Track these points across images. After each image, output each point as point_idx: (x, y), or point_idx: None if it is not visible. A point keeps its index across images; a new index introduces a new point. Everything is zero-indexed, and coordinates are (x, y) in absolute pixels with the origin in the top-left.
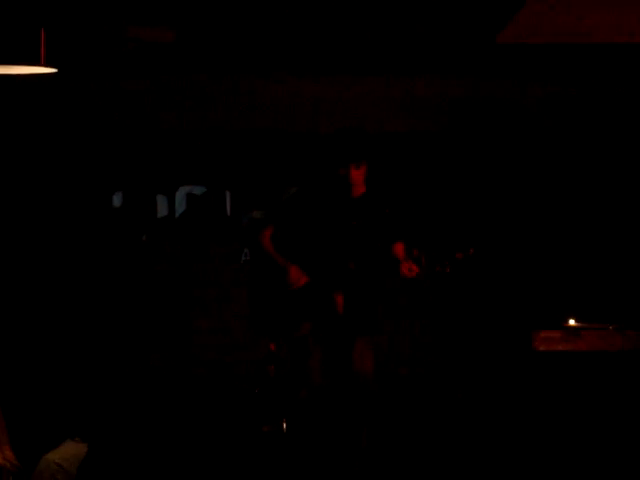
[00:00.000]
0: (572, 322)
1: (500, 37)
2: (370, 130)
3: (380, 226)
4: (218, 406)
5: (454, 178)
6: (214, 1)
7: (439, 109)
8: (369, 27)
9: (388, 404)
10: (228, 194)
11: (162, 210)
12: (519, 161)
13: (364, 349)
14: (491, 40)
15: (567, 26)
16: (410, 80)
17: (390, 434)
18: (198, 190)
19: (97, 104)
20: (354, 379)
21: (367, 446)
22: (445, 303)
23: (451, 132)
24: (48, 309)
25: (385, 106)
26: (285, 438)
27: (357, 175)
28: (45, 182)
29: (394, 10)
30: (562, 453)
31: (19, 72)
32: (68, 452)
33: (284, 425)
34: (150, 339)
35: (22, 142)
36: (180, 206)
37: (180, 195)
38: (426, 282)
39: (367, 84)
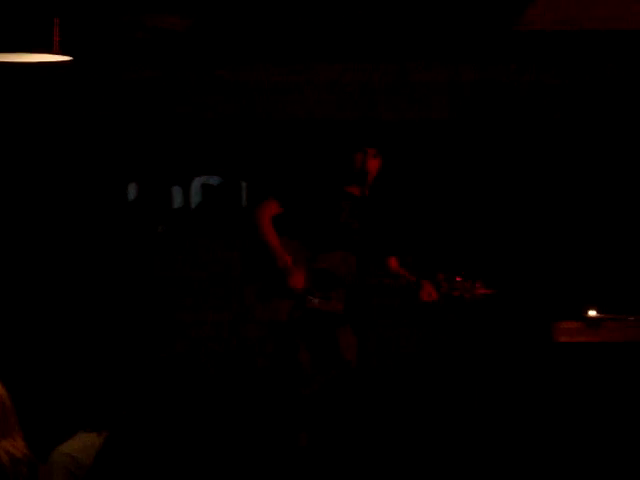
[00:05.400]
0: (593, 313)
1: (517, 24)
2: (384, 117)
3: (380, 229)
4: (231, 398)
5: (466, 170)
6: None
7: (453, 96)
8: (381, 14)
9: (402, 397)
10: (244, 185)
11: (178, 201)
12: (535, 151)
13: (349, 336)
14: (508, 27)
15: (585, 12)
16: (425, 67)
17: (405, 428)
18: (214, 181)
19: (111, 94)
20: (344, 367)
21: (374, 440)
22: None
23: (464, 120)
24: (60, 300)
25: (399, 93)
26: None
27: (373, 166)
28: (59, 173)
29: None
30: (584, 444)
31: (33, 60)
32: (81, 444)
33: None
34: (162, 330)
35: (36, 132)
36: (196, 197)
37: (196, 186)
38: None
39: (381, 71)
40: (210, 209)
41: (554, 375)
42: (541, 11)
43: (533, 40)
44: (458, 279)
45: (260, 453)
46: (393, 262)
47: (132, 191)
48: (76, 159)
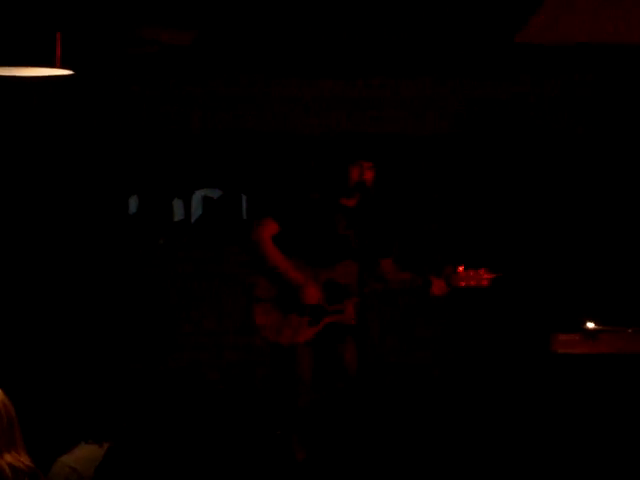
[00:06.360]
0: (591, 325)
1: (518, 37)
2: (384, 131)
3: (377, 236)
4: (233, 409)
5: (471, 183)
6: (231, 5)
7: (455, 110)
8: (382, 27)
9: (401, 406)
10: (244, 198)
11: (178, 214)
12: (536, 163)
13: (349, 342)
14: (509, 40)
15: (586, 26)
16: (424, 81)
17: (403, 434)
18: (214, 193)
19: (112, 107)
20: (344, 374)
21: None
22: (463, 305)
23: (467, 134)
24: (62, 312)
25: (400, 107)
26: (294, 442)
27: (368, 177)
28: (61, 185)
29: (408, 10)
30: (582, 456)
31: (35, 74)
32: (82, 455)
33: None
34: (164, 341)
35: (37, 145)
36: (196, 210)
37: (196, 199)
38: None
39: (383, 85)
40: (211, 222)
41: (552, 386)
42: (541, 25)
43: (532, 54)
44: (461, 270)
45: (259, 467)
46: (388, 264)
47: (133, 204)
48: (77, 172)
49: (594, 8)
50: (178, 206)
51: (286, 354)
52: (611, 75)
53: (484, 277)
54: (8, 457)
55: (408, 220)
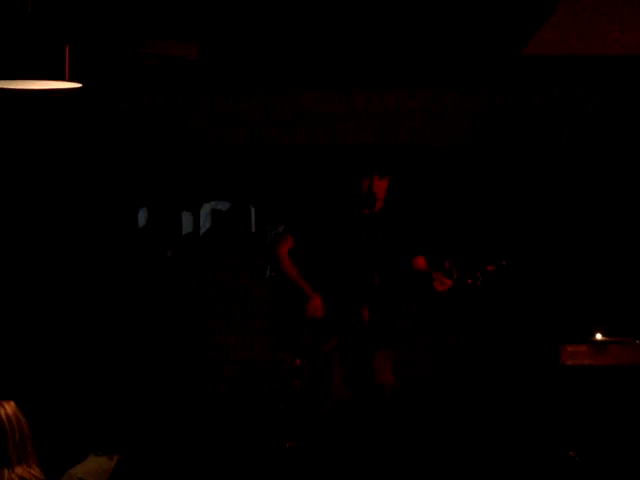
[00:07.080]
0: (599, 336)
1: (525, 49)
2: (394, 143)
3: (400, 240)
4: (242, 422)
5: (481, 191)
6: (239, 19)
7: (464, 122)
8: (393, 40)
9: (413, 417)
10: (253, 210)
11: (187, 226)
12: (545, 173)
13: (384, 361)
14: (516, 52)
15: (592, 38)
16: (434, 93)
17: (413, 447)
18: (223, 206)
19: (122, 120)
20: (376, 391)
21: (389, 459)
22: (472, 318)
23: (477, 145)
24: (71, 324)
25: (409, 119)
26: (309, 454)
27: (380, 188)
28: (71, 198)
29: (419, 23)
30: (590, 468)
31: (44, 87)
32: (92, 467)
33: (308, 441)
34: (174, 354)
35: (47, 158)
36: (205, 222)
37: (205, 211)
38: (454, 295)
39: (391, 97)
40: (219, 234)
41: (560, 399)
42: (548, 36)
43: (542, 66)
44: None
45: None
46: (420, 261)
47: (142, 216)
48: (87, 185)
49: (599, 21)
50: (187, 219)
51: (318, 357)
52: (619, 86)
53: (488, 268)
54: (19, 470)
55: (423, 225)
